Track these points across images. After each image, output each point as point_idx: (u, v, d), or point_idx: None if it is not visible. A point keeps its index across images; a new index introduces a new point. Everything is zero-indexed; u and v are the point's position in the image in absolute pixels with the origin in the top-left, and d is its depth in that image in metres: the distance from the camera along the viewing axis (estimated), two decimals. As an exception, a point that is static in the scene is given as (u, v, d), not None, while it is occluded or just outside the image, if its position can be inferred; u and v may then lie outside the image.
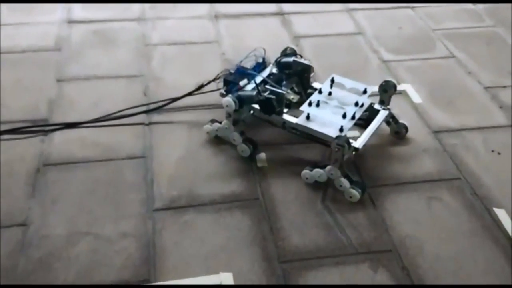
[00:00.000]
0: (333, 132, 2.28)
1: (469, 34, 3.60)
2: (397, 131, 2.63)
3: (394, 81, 2.54)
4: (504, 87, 3.10)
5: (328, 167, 2.28)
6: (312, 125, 2.35)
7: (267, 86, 2.45)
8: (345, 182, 2.28)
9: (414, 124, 2.73)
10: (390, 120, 2.58)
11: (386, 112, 2.52)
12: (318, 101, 2.40)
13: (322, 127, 2.33)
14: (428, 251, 2.12)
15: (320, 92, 2.48)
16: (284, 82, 2.59)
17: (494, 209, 2.32)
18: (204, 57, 3.27)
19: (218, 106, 2.58)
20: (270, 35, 3.50)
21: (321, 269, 2.04)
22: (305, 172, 2.37)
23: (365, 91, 2.48)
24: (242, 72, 2.55)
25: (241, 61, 2.59)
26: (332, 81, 2.53)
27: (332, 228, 2.19)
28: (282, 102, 2.38)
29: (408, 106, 2.91)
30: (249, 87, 2.49)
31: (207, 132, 2.60)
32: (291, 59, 2.64)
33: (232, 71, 2.57)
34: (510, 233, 2.21)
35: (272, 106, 2.37)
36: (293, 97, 2.53)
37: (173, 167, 2.46)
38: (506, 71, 3.22)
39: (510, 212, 2.30)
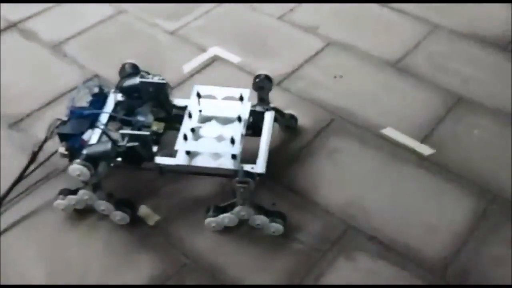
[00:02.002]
0: (227, 164, 1.84)
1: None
2: (287, 125, 2.25)
3: (265, 72, 2.12)
4: (292, 10, 3.08)
5: (237, 209, 1.84)
6: (198, 162, 1.88)
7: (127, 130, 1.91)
8: (262, 219, 1.87)
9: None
10: (277, 116, 2.17)
11: (272, 112, 2.10)
12: (193, 129, 1.92)
13: (211, 161, 1.87)
14: (369, 207, 2.04)
15: (190, 116, 1.97)
16: (138, 109, 2.05)
17: (382, 131, 2.31)
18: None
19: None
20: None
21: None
22: (210, 220, 1.91)
23: (241, 98, 2.02)
24: (79, 116, 1.97)
25: (72, 100, 2.01)
26: (199, 95, 2.04)
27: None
28: (149, 146, 1.87)
29: (232, 70, 2.67)
30: (98, 133, 1.95)
31: (62, 209, 2.01)
32: (136, 80, 2.07)
33: (66, 118, 1.97)
34: (409, 145, 2.25)
35: (138, 155, 1.86)
36: (157, 127, 2.01)
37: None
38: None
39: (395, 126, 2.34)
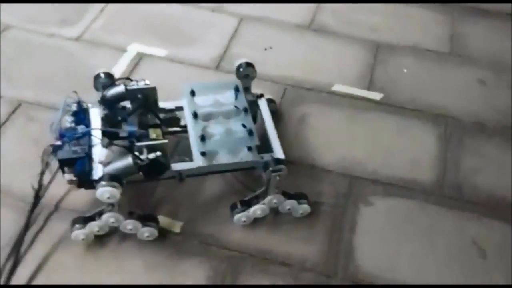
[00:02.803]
0: (249, 157, 1.87)
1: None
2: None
3: (244, 60, 2.14)
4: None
5: (269, 198, 1.91)
6: (220, 160, 1.86)
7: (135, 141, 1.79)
8: (291, 203, 1.95)
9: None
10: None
11: (264, 99, 2.15)
12: (204, 127, 1.90)
13: (232, 157, 1.87)
14: (357, 156, 2.26)
15: (195, 116, 1.92)
16: (128, 119, 1.93)
17: (332, 89, 2.54)
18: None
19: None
20: None
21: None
22: (239, 216, 1.94)
23: (237, 89, 2.03)
24: (72, 138, 1.80)
25: (58, 123, 1.83)
26: (193, 93, 2.01)
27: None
28: (167, 154, 1.81)
29: (165, 64, 2.64)
30: (98, 151, 1.81)
31: (82, 239, 1.88)
32: (121, 88, 1.94)
33: (58, 143, 1.78)
34: (361, 95, 2.53)
35: (160, 166, 1.79)
36: (156, 134, 1.91)
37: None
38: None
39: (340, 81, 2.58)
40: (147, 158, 1.74)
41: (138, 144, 1.78)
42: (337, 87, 2.54)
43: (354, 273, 1.88)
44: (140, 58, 2.67)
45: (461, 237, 1.99)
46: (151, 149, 1.76)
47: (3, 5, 2.89)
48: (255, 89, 2.38)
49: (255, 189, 1.99)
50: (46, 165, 1.82)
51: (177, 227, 1.98)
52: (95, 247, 1.91)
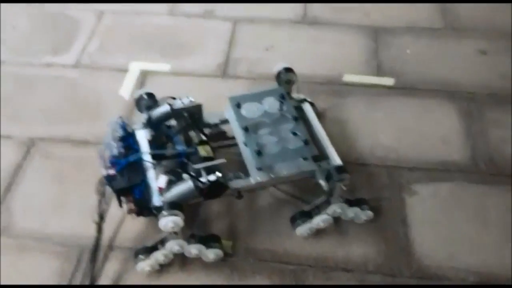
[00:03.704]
0: (308, 166, 1.61)
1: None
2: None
3: (283, 65, 1.88)
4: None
5: (332, 207, 1.65)
6: (280, 172, 1.59)
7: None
8: (355, 210, 1.70)
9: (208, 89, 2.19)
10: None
11: (307, 103, 1.88)
12: (257, 141, 1.61)
13: (292, 167, 1.60)
14: (388, 144, 2.02)
15: (246, 129, 1.65)
16: (175, 138, 1.68)
17: (344, 80, 2.28)
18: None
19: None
20: None
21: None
22: (301, 228, 1.68)
23: (282, 96, 1.74)
24: (124, 165, 1.53)
25: (110, 150, 1.57)
26: (238, 105, 1.71)
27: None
28: (224, 174, 1.54)
29: (172, 79, 2.32)
30: (152, 176, 1.56)
31: (148, 270, 1.61)
32: (166, 108, 1.70)
33: (111, 172, 1.51)
34: (373, 82, 2.26)
35: (221, 186, 1.52)
36: (205, 152, 1.63)
37: None
38: None
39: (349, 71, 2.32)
40: (208, 180, 1.49)
41: (196, 166, 1.53)
42: (348, 77, 2.28)
43: (418, 268, 1.65)
44: (144, 76, 2.33)
45: (510, 212, 1.78)
46: (209, 170, 1.52)
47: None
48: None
49: (303, 198, 1.75)
50: (103, 194, 1.56)
51: (228, 247, 1.70)
52: (157, 277, 1.63)
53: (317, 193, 1.71)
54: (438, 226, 1.76)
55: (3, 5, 2.71)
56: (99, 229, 1.59)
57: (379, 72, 2.30)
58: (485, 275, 1.63)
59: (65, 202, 1.83)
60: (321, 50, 2.43)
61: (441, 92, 2.20)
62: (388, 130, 2.06)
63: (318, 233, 1.73)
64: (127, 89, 2.28)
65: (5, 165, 1.96)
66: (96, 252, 1.63)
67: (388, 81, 2.26)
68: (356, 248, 1.70)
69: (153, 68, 2.37)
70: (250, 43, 2.48)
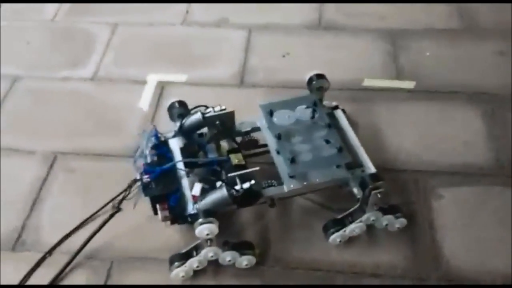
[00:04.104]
0: (341, 173, 1.63)
1: None
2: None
3: (314, 72, 1.90)
4: (188, 12, 2.76)
5: (367, 215, 1.65)
6: (314, 180, 1.61)
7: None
8: (389, 218, 1.70)
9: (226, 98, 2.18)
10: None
11: (339, 109, 1.90)
12: (291, 149, 1.63)
13: (325, 175, 1.62)
14: (411, 148, 2.03)
15: (279, 137, 1.66)
16: (207, 146, 1.73)
17: (363, 84, 2.29)
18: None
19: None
20: None
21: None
22: (335, 236, 1.69)
23: (315, 103, 1.76)
24: (158, 173, 1.56)
25: (144, 158, 1.65)
26: (271, 113, 1.74)
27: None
28: (258, 182, 1.56)
29: (190, 89, 2.34)
30: (186, 184, 1.60)
31: (182, 276, 1.64)
32: (199, 116, 1.72)
33: (146, 178, 1.55)
34: (393, 86, 2.27)
35: (255, 193, 1.54)
36: (238, 160, 1.68)
37: None
38: None
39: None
40: (242, 188, 1.52)
41: (230, 174, 1.56)
42: (368, 82, 2.29)
43: (447, 271, 1.66)
44: (162, 87, 2.36)
45: (537, 214, 1.79)
46: (243, 178, 1.55)
47: (3, 57, 2.54)
48: (285, 97, 2.10)
49: (330, 206, 1.78)
50: (128, 192, 1.65)
51: (256, 255, 1.70)
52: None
53: (341, 201, 1.74)
54: (465, 230, 1.76)
55: (16, 23, 2.77)
56: (112, 215, 1.66)
57: (399, 75, 2.31)
58: (514, 278, 1.64)
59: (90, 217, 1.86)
60: (338, 56, 2.45)
61: (462, 94, 2.21)
62: (410, 135, 2.07)
63: (346, 240, 1.74)
64: (145, 101, 2.31)
65: (31, 180, 2.00)
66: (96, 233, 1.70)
67: (409, 84, 2.27)
68: (384, 253, 1.71)
69: (170, 79, 2.40)
70: (266, 51, 2.50)
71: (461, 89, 2.23)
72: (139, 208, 1.68)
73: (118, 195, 1.69)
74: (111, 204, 1.74)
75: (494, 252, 1.71)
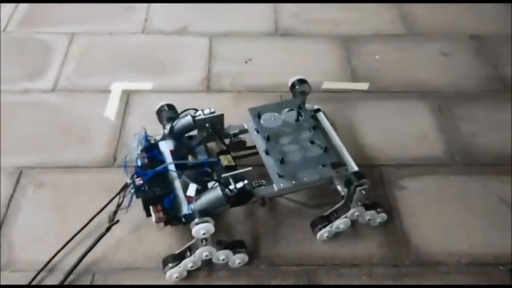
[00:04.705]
0: (328, 172, 1.72)
1: None
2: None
3: (296, 77, 2.00)
4: (146, 20, 2.78)
5: (352, 211, 1.75)
6: (302, 179, 1.69)
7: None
8: (371, 213, 1.81)
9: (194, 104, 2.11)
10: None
11: (320, 112, 1.99)
12: (280, 150, 1.72)
13: (313, 174, 1.70)
14: (374, 143, 2.17)
15: (268, 139, 1.74)
16: (197, 149, 1.80)
17: (323, 87, 2.41)
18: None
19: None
20: None
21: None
22: (322, 231, 1.78)
23: (300, 107, 1.85)
24: (151, 176, 1.59)
25: (136, 161, 1.68)
26: (259, 116, 1.81)
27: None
28: (250, 181, 1.64)
29: (157, 97, 2.30)
30: (178, 185, 1.65)
31: (176, 277, 1.68)
32: (189, 119, 1.77)
33: (137, 181, 1.58)
34: (350, 87, 2.41)
35: (248, 193, 1.62)
36: (228, 161, 1.74)
37: None
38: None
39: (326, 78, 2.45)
40: (236, 188, 1.58)
41: (224, 175, 1.62)
42: (327, 85, 2.42)
43: (417, 256, 1.81)
44: (128, 95, 2.37)
45: (488, 197, 1.98)
46: (236, 178, 1.61)
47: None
48: (248, 101, 2.21)
49: (309, 204, 1.88)
50: (121, 199, 1.62)
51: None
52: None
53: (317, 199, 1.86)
54: (429, 217, 1.92)
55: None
56: (108, 228, 1.64)
57: (354, 78, 2.47)
58: (475, 256, 1.81)
59: (67, 229, 1.82)
60: (297, 60, 2.56)
61: (412, 93, 2.39)
62: (371, 132, 2.22)
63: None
64: (111, 110, 2.30)
65: (-3, 198, 1.94)
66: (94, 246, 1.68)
67: (363, 85, 2.42)
68: (360, 245, 1.83)
69: (135, 87, 2.41)
70: (228, 57, 2.57)
71: (411, 88, 2.42)
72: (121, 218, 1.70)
73: (108, 204, 1.69)
74: (109, 214, 1.70)
75: (457, 234, 1.87)
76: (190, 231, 1.55)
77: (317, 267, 1.77)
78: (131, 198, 1.61)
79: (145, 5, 2.89)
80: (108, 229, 1.61)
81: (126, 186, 1.59)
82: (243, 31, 2.73)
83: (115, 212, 1.58)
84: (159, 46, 2.64)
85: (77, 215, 1.85)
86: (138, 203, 1.62)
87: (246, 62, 2.53)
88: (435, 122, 2.27)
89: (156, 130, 1.86)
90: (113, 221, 1.59)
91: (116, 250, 1.78)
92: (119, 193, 1.60)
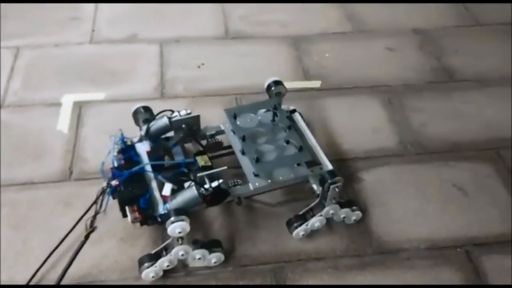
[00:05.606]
0: (303, 171, 1.73)
1: None
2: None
3: (272, 79, 1.99)
4: (93, 30, 2.73)
5: (326, 209, 1.76)
6: (278, 178, 1.70)
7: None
8: (346, 211, 1.83)
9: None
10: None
11: (297, 113, 2.00)
12: (255, 149, 1.71)
13: (289, 173, 1.71)
14: (336, 135, 2.19)
15: (243, 139, 1.73)
16: (174, 149, 1.79)
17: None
18: None
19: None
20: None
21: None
22: (298, 230, 1.78)
23: (275, 107, 1.85)
24: (127, 176, 1.57)
25: (113, 162, 1.65)
26: (235, 116, 1.80)
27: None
28: (225, 181, 1.64)
29: (111, 107, 2.31)
30: (154, 186, 1.64)
31: (152, 277, 1.65)
32: (165, 121, 1.76)
33: (113, 182, 1.55)
34: (303, 86, 2.43)
35: (223, 192, 1.62)
36: (204, 161, 1.72)
37: None
38: None
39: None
40: (211, 187, 1.57)
41: (199, 174, 1.61)
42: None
43: (378, 245, 1.84)
44: (80, 107, 2.30)
45: (442, 183, 2.05)
46: (211, 177, 1.61)
47: None
48: (204, 106, 2.23)
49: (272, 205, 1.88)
50: (99, 206, 1.62)
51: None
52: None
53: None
54: (387, 206, 1.97)
55: None
56: (87, 236, 1.62)
57: (306, 77, 2.50)
58: (434, 241, 1.86)
59: (27, 248, 1.76)
60: (250, 62, 2.57)
61: (362, 88, 2.45)
62: (327, 128, 2.25)
63: (282, 232, 1.84)
64: (64, 123, 2.23)
65: (-51, 219, 1.83)
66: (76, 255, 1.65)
67: (315, 83, 2.46)
68: (323, 238, 1.85)
69: (87, 98, 2.34)
70: (181, 63, 2.55)
71: (360, 83, 2.48)
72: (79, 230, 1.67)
73: (86, 212, 1.64)
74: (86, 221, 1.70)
75: (415, 221, 1.93)
76: (154, 239, 1.53)
77: (283, 264, 1.77)
78: (108, 199, 1.59)
79: (91, 14, 2.83)
80: (86, 237, 1.58)
81: (102, 192, 1.57)
82: (193, 36, 2.71)
83: (93, 219, 1.55)
84: (109, 55, 2.58)
85: (37, 232, 1.79)
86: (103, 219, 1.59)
87: (198, 66, 2.52)
88: (387, 115, 2.33)
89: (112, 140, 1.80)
90: (91, 229, 1.56)
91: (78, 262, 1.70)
92: (96, 200, 1.56)
